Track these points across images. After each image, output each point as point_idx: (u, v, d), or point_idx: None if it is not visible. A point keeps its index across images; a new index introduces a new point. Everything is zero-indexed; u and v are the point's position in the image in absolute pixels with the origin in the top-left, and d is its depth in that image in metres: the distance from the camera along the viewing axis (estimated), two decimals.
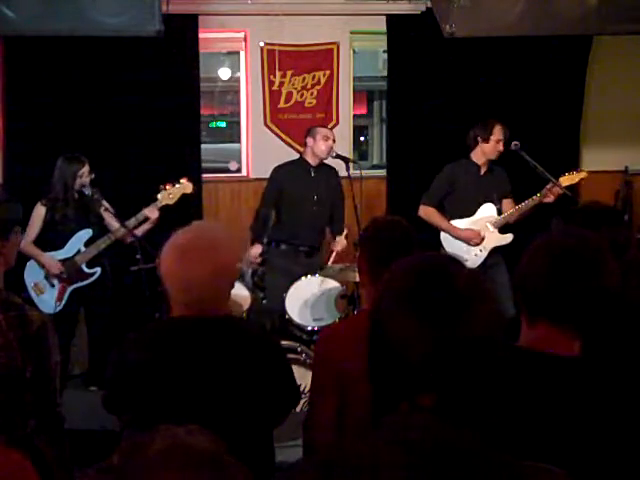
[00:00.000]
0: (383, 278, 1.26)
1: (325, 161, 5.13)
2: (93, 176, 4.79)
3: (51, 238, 4.82)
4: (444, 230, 5.17)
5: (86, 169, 4.75)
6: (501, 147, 5.08)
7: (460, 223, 5.16)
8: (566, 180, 5.11)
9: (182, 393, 2.02)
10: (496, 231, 5.16)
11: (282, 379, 2.20)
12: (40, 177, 5.30)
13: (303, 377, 4.00)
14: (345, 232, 5.07)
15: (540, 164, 5.03)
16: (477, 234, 5.10)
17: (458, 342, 1.13)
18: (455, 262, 1.24)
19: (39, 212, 4.77)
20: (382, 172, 6.80)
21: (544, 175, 5.01)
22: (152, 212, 4.80)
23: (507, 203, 5.22)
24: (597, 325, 1.63)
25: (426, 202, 5.19)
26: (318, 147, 5.02)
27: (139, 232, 4.75)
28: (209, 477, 0.85)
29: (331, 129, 5.33)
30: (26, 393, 2.10)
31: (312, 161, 5.09)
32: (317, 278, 4.69)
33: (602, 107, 6.70)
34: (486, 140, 5.09)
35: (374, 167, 11.25)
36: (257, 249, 4.82)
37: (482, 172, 5.19)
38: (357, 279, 4.28)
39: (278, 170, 5.15)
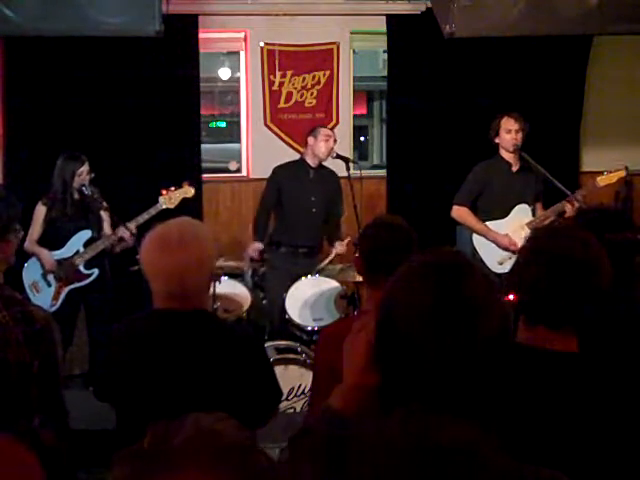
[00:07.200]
0: (395, 274, 1.23)
1: (326, 163, 5.09)
2: (93, 175, 4.79)
3: (50, 237, 4.81)
4: (478, 232, 4.91)
5: (85, 168, 4.75)
6: (514, 136, 4.82)
7: (494, 225, 4.90)
8: (604, 180, 4.97)
9: (160, 386, 2.04)
10: None
11: (261, 375, 2.20)
12: (40, 177, 5.30)
13: (303, 377, 4.01)
14: (348, 239, 4.90)
15: (540, 164, 4.97)
16: (514, 244, 4.72)
17: (466, 344, 1.13)
18: (467, 261, 1.23)
19: (40, 211, 4.77)
20: (382, 172, 6.80)
21: (553, 183, 4.85)
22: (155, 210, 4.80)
23: (539, 207, 4.99)
24: (593, 325, 1.65)
25: (459, 202, 4.93)
26: (318, 147, 4.96)
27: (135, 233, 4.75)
28: (236, 465, 0.85)
29: (332, 130, 5.29)
30: (32, 388, 2.11)
31: (312, 162, 5.04)
32: (317, 278, 4.69)
33: (602, 107, 6.70)
34: (497, 134, 4.91)
35: (374, 167, 11.27)
36: (257, 245, 4.89)
37: (514, 169, 4.93)
38: (357, 279, 4.29)
39: (277, 170, 5.13)
